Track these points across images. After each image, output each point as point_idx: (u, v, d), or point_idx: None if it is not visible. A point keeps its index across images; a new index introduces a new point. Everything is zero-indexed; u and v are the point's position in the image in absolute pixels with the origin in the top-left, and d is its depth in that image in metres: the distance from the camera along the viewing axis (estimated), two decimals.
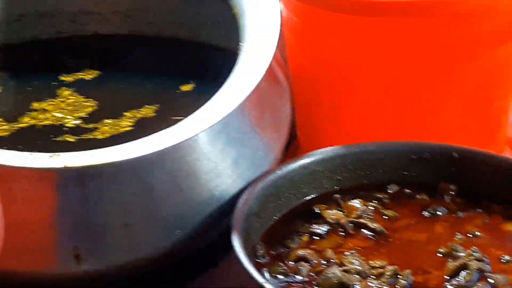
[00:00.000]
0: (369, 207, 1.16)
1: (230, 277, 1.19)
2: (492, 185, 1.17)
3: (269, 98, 1.20)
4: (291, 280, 1.05)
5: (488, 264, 1.05)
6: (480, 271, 1.04)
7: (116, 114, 1.21)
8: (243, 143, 1.13)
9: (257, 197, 1.12)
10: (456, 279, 1.03)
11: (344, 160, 1.20)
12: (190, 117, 1.08)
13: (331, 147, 1.21)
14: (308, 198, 1.19)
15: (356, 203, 1.17)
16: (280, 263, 1.07)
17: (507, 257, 1.06)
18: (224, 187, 1.10)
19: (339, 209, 1.16)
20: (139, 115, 1.21)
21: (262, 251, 1.08)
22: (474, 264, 1.04)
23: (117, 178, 1.05)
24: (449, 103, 1.24)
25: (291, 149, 1.44)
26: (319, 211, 1.16)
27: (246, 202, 1.10)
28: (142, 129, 1.15)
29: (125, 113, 1.21)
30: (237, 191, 1.11)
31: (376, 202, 1.18)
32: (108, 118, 1.20)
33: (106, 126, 1.19)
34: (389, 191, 1.19)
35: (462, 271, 1.04)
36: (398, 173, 1.21)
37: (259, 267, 1.06)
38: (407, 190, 1.19)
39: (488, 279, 1.03)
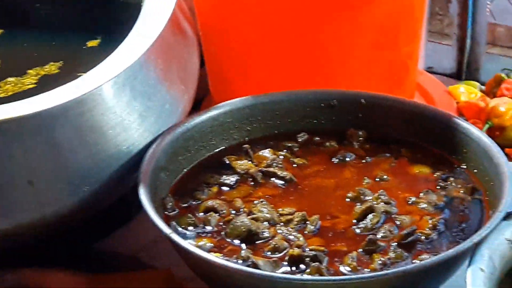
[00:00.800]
0: (279, 156, 1.17)
1: (143, 232, 1.19)
2: (400, 129, 1.18)
3: (175, 50, 1.19)
4: (201, 231, 1.04)
5: (394, 207, 1.06)
6: (387, 213, 1.05)
7: (20, 72, 1.19)
8: (150, 96, 1.12)
9: (165, 150, 1.11)
10: (363, 222, 1.04)
11: (253, 110, 1.20)
12: (92, 71, 1.07)
13: (240, 98, 1.20)
14: (218, 149, 1.18)
15: (266, 152, 1.17)
16: (190, 215, 1.07)
17: (413, 199, 1.08)
18: (131, 141, 1.09)
19: (249, 159, 1.16)
20: (42, 72, 1.19)
21: (171, 204, 1.08)
22: (380, 207, 1.05)
23: (21, 135, 1.03)
24: (355, 49, 1.24)
25: (205, 104, 1.43)
26: (228, 162, 1.16)
27: (153, 156, 1.09)
28: (45, 86, 1.13)
29: (29, 71, 1.19)
30: (145, 145, 1.10)
31: (286, 150, 1.18)
32: (11, 76, 1.18)
33: (9, 84, 1.16)
34: (298, 140, 1.20)
35: (369, 214, 1.05)
36: (308, 122, 1.21)
37: (168, 219, 1.06)
38: (317, 138, 1.20)
39: (395, 221, 1.04)
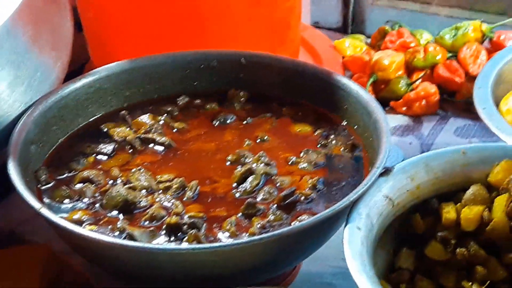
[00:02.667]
0: (158, 121, 1.13)
1: (23, 206, 1.14)
2: (281, 88, 1.16)
3: (45, 15, 1.13)
4: (76, 204, 1.01)
5: (275, 168, 1.04)
6: (267, 175, 1.03)
7: None
8: (19, 65, 1.07)
9: (36, 121, 1.06)
10: (243, 185, 1.02)
11: (131, 75, 1.16)
12: None
13: (116, 63, 1.16)
14: (95, 117, 1.14)
15: (145, 118, 1.14)
16: (64, 187, 1.03)
17: (294, 159, 1.06)
18: (1, 114, 1.04)
19: (127, 126, 1.13)
20: None
21: (45, 177, 1.04)
22: (260, 169, 1.03)
23: None
24: (232, 8, 1.21)
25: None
26: (106, 130, 1.12)
27: (23, 128, 1.04)
28: None
29: None
30: (16, 116, 1.06)
31: (166, 115, 1.15)
32: None
33: None
34: (178, 103, 1.17)
35: (249, 177, 1.03)
36: (188, 84, 1.18)
37: (41, 193, 1.02)
38: (197, 101, 1.17)
39: (275, 182, 1.03)
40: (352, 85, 1.10)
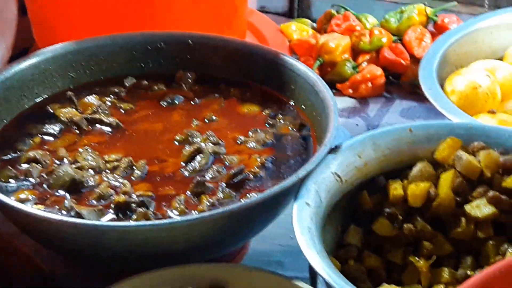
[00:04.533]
0: (105, 102, 1.13)
1: None
2: (228, 69, 1.16)
3: None
4: (22, 184, 1.00)
5: (223, 147, 1.05)
6: (215, 154, 1.03)
7: None
8: None
9: None
10: (192, 164, 1.02)
11: (77, 56, 1.15)
12: None
13: (62, 44, 1.15)
14: (40, 98, 1.13)
15: (91, 99, 1.13)
16: (10, 167, 1.01)
17: (242, 138, 1.06)
18: None
19: (74, 106, 1.12)
20: None
21: None
22: (209, 148, 1.03)
23: None
24: None
25: None
26: (52, 111, 1.11)
27: None
28: None
29: None
30: None
31: (113, 96, 1.14)
32: None
33: None
34: (125, 84, 1.16)
35: (198, 156, 1.03)
36: (135, 66, 1.17)
37: None
38: (145, 82, 1.16)
39: (224, 161, 1.03)
40: (300, 66, 1.10)
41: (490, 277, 0.72)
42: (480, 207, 0.96)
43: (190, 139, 1.06)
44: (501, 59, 1.27)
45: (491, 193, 0.95)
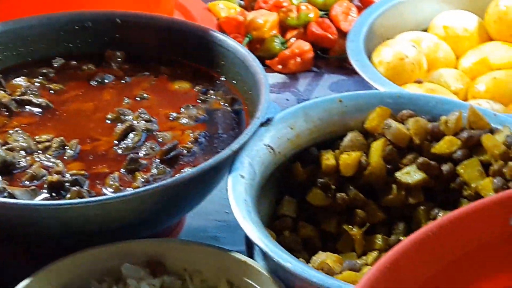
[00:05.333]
0: (34, 83, 1.12)
1: None
2: (158, 47, 1.15)
3: None
4: None
5: (156, 124, 1.05)
6: (148, 131, 1.03)
7: None
8: None
9: None
10: (125, 142, 1.02)
11: (3, 38, 1.13)
12: None
13: None
14: None
15: (19, 81, 1.12)
16: None
17: (174, 115, 1.06)
18: None
19: (1, 89, 1.10)
20: None
21: None
22: (141, 125, 1.03)
23: None
24: None
25: None
26: None
27: None
28: None
29: None
30: None
31: (41, 77, 1.13)
32: None
33: None
34: (54, 65, 1.15)
35: (130, 134, 1.02)
36: (63, 46, 1.16)
37: None
38: (73, 62, 1.15)
39: (157, 138, 1.03)
40: (229, 41, 1.11)
41: (423, 238, 0.74)
42: (410, 174, 0.98)
43: (122, 117, 1.05)
44: (426, 30, 1.29)
45: (420, 159, 0.98)
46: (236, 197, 0.90)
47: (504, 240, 0.76)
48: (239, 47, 1.09)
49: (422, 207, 0.97)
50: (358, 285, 0.70)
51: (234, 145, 0.94)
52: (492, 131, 0.98)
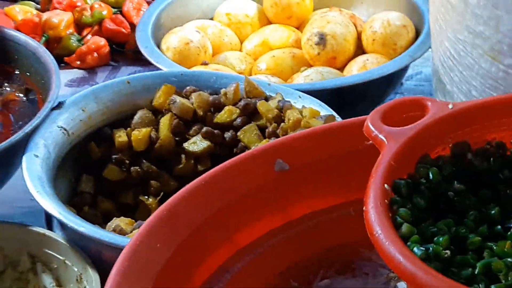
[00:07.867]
0: None
1: None
2: None
3: None
4: None
5: None
6: None
7: None
8: None
9: None
10: None
11: None
12: None
13: None
14: None
15: None
16: None
17: None
18: None
19: None
20: None
21: None
22: None
23: None
24: None
25: None
26: None
27: None
28: None
29: None
30: None
31: None
32: None
33: None
34: None
35: None
36: None
37: None
38: None
39: None
40: (20, 36, 1.17)
41: (198, 185, 0.82)
42: (196, 143, 1.06)
43: None
44: (212, 19, 1.38)
45: (204, 129, 1.06)
46: (31, 174, 0.96)
47: (270, 185, 0.85)
48: (29, 41, 1.15)
49: None
50: (140, 229, 0.77)
51: (27, 128, 1.00)
52: (267, 98, 1.08)
